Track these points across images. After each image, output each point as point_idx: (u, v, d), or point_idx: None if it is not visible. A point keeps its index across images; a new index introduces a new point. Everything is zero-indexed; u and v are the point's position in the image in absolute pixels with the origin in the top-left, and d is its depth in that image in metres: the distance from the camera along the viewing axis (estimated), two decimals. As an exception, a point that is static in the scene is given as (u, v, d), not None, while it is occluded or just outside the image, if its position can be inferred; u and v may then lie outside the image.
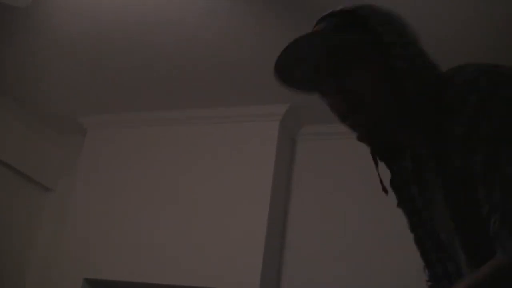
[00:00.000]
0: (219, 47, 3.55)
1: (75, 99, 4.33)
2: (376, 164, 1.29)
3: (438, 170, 1.12)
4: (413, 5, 2.96)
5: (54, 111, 4.51)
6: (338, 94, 1.18)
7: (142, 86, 4.06)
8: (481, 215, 1.05)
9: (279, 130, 4.01)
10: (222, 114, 4.16)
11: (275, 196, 3.89)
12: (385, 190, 1.31)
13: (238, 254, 3.73)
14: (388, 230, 3.67)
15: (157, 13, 3.34)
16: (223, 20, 3.32)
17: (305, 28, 3.47)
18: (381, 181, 1.30)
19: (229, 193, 3.93)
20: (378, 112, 1.16)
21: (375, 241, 3.71)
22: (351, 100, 1.17)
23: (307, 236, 3.90)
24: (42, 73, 4.05)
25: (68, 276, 4.09)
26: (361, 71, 1.16)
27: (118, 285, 4.06)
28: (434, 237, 1.26)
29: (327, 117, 4.59)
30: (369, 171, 4.11)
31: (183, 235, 3.93)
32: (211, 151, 4.13)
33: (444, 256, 1.25)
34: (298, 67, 1.21)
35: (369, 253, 3.69)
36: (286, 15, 3.20)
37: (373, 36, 1.17)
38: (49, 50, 3.79)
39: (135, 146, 4.37)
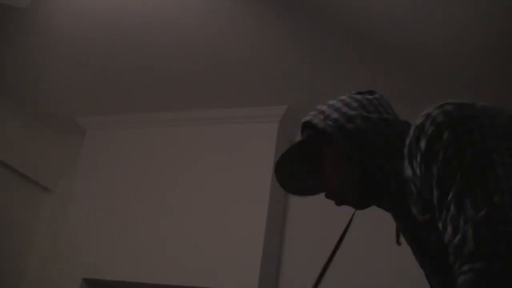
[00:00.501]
0: (218, 49, 3.56)
1: (74, 99, 4.34)
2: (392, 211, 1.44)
3: (403, 227, 1.32)
4: (413, 5, 2.97)
5: (53, 112, 4.52)
6: (322, 183, 1.45)
7: (141, 86, 4.07)
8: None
9: (278, 131, 4.02)
10: (221, 115, 4.16)
11: (274, 197, 3.89)
12: (398, 242, 1.53)
13: (237, 255, 3.73)
14: (388, 230, 3.67)
15: (156, 14, 3.34)
16: (222, 21, 3.32)
17: (305, 29, 3.50)
18: (397, 233, 1.51)
19: (228, 194, 3.94)
20: (348, 189, 1.40)
21: (374, 241, 3.72)
22: (329, 185, 1.42)
23: (306, 236, 3.90)
24: (41, 73, 4.05)
25: (67, 276, 4.09)
26: (326, 162, 1.41)
27: (116, 285, 4.05)
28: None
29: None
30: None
31: (182, 236, 3.93)
32: (210, 152, 4.13)
33: None
34: (291, 176, 1.52)
35: (368, 254, 3.70)
36: (286, 16, 3.21)
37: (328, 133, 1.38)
38: (48, 51, 3.79)
39: (134, 147, 4.37)
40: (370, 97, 1.41)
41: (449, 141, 1.11)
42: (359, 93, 1.45)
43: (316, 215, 3.94)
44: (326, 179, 1.42)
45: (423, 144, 1.15)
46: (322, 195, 1.54)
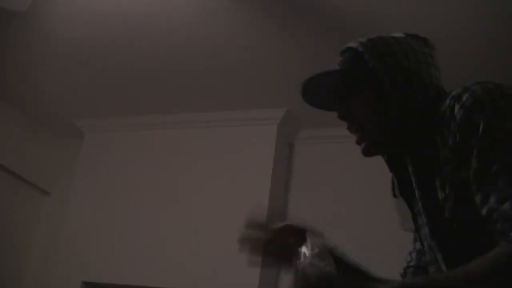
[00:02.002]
0: (217, 51, 3.56)
1: (73, 102, 4.33)
2: (391, 170, 1.45)
3: (419, 183, 1.28)
4: (413, 6, 2.97)
5: (52, 114, 4.51)
6: (346, 116, 1.40)
7: (140, 89, 4.07)
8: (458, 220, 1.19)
9: (277, 134, 4.02)
10: (220, 118, 4.16)
11: (273, 199, 3.89)
12: (394, 195, 1.48)
13: (237, 257, 3.72)
14: (386, 233, 3.67)
15: (155, 16, 3.34)
16: (221, 24, 3.33)
17: (304, 31, 3.50)
18: (393, 187, 1.48)
19: (227, 196, 3.94)
20: (375, 132, 1.36)
21: (373, 244, 3.72)
22: (354, 120, 1.38)
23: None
24: (40, 76, 4.05)
25: (66, 279, 4.09)
26: (360, 99, 1.37)
27: (116, 288, 4.06)
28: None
29: (325, 121, 4.59)
30: (366, 175, 4.14)
31: (181, 238, 3.92)
32: (209, 154, 4.13)
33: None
34: (316, 93, 1.48)
35: (366, 256, 3.69)
36: (286, 18, 3.21)
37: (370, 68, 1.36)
38: (47, 53, 3.79)
39: (132, 150, 4.37)
40: (426, 50, 1.40)
41: (491, 113, 1.14)
42: (415, 37, 1.43)
43: (315, 215, 3.92)
44: (354, 111, 1.38)
45: (459, 113, 1.17)
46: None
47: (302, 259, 1.24)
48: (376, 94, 1.34)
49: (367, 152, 1.39)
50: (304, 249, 1.28)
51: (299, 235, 1.45)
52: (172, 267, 3.86)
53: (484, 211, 1.11)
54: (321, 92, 1.46)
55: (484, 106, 1.15)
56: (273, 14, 3.21)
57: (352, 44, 1.44)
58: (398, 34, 1.43)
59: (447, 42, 3.15)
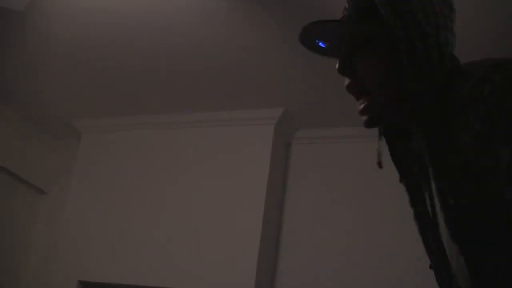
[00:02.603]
0: (214, 52, 3.56)
1: (71, 102, 4.33)
2: (380, 136, 1.30)
3: (433, 163, 1.13)
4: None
5: (49, 115, 4.51)
6: (350, 76, 1.22)
7: (137, 89, 4.07)
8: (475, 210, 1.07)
9: (274, 134, 4.02)
10: (217, 118, 4.17)
11: (270, 199, 3.90)
12: (380, 164, 1.31)
13: (234, 257, 3.74)
14: (382, 233, 3.68)
15: (152, 16, 3.34)
16: (219, 25, 3.33)
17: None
18: (379, 155, 1.31)
19: (224, 196, 3.94)
20: (381, 96, 1.20)
21: (369, 244, 3.73)
22: (360, 83, 1.21)
23: (302, 238, 3.90)
24: (37, 76, 4.04)
25: (63, 279, 4.09)
26: (370, 59, 1.20)
27: (112, 287, 4.05)
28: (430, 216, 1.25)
29: (322, 121, 4.60)
30: (363, 175, 4.13)
31: (178, 238, 3.93)
32: (205, 155, 4.13)
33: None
34: (317, 38, 1.28)
35: (363, 257, 3.70)
36: (282, 19, 3.21)
37: (386, 26, 1.17)
38: (44, 53, 3.79)
39: (130, 150, 4.37)
40: (446, 11, 1.19)
41: None
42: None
43: (312, 218, 3.94)
44: (360, 69, 1.20)
45: (492, 97, 1.02)
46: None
47: None
48: (387, 54, 1.17)
49: (370, 124, 1.22)
50: None
51: None
52: (169, 267, 3.87)
53: None
54: (323, 39, 1.26)
55: None
56: (271, 15, 3.21)
57: None
58: None
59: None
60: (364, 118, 1.23)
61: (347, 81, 1.24)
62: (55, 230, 4.39)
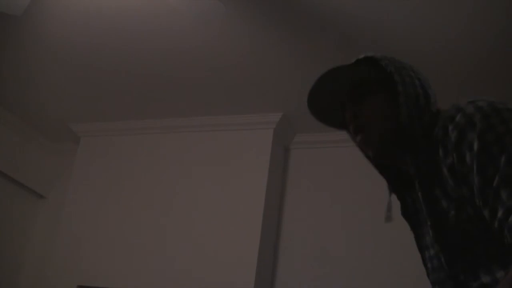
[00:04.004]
0: (213, 56, 3.56)
1: (69, 107, 4.33)
2: (390, 193, 1.49)
3: (425, 197, 1.30)
4: (409, 10, 2.97)
5: (48, 119, 4.51)
6: (353, 116, 1.42)
7: (136, 93, 4.07)
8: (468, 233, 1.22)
9: (273, 138, 4.02)
10: (217, 122, 4.17)
11: (269, 202, 3.90)
12: (389, 218, 1.50)
13: (233, 260, 3.73)
14: (381, 236, 3.68)
15: (151, 21, 3.34)
16: (217, 28, 3.33)
17: (299, 36, 3.51)
18: (389, 209, 1.50)
19: (224, 200, 3.94)
20: (379, 134, 1.39)
21: (368, 246, 3.72)
22: (361, 121, 1.41)
23: (300, 241, 3.90)
24: (35, 80, 4.05)
25: (61, 283, 4.08)
26: (372, 101, 1.41)
27: (111, 292, 4.05)
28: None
29: (321, 126, 4.58)
30: (361, 179, 4.13)
31: (177, 241, 3.93)
32: (205, 159, 4.13)
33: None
34: (326, 94, 1.49)
35: (362, 258, 3.70)
36: (281, 23, 3.22)
37: (385, 75, 1.41)
38: (42, 57, 3.79)
39: (128, 154, 4.37)
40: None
41: (484, 129, 1.17)
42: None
43: (311, 221, 3.94)
44: (364, 114, 1.41)
45: (453, 134, 1.21)
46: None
47: None
48: (388, 99, 1.39)
49: (377, 155, 1.42)
50: None
51: None
52: (168, 271, 3.86)
53: (495, 225, 1.15)
54: (329, 93, 1.48)
55: (476, 124, 1.18)
56: (269, 20, 3.21)
57: (368, 53, 1.49)
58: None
59: (445, 46, 3.17)
60: (369, 150, 1.41)
61: (349, 121, 1.44)
62: (54, 234, 4.39)
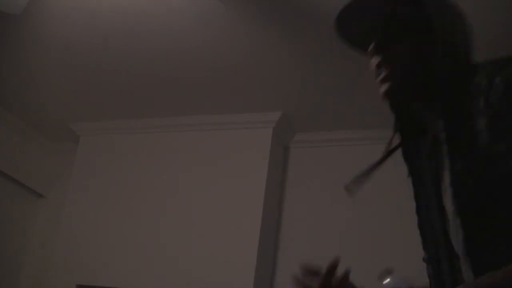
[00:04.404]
0: (212, 55, 3.56)
1: (68, 106, 4.33)
2: (394, 132, 1.41)
3: (450, 153, 1.20)
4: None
5: (47, 118, 4.51)
6: (377, 62, 1.30)
7: (135, 93, 4.07)
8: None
9: (272, 137, 4.02)
10: (215, 121, 4.17)
11: (269, 202, 3.90)
12: (390, 153, 1.41)
13: (232, 259, 3.74)
14: (381, 236, 3.68)
15: (151, 20, 3.34)
16: (217, 28, 3.33)
17: (299, 35, 3.51)
18: (391, 150, 1.41)
19: (223, 199, 3.94)
20: (405, 79, 1.29)
21: (367, 246, 3.73)
22: (388, 63, 1.29)
23: (300, 241, 3.90)
24: (35, 79, 4.04)
25: (61, 282, 4.08)
26: (404, 42, 1.29)
27: (110, 291, 4.06)
28: (435, 213, 1.31)
29: (320, 125, 4.60)
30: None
31: (176, 241, 3.93)
32: (204, 158, 4.13)
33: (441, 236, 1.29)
34: (356, 22, 1.33)
35: (361, 258, 3.70)
36: (280, 22, 3.22)
37: (425, 14, 1.28)
38: (42, 56, 3.79)
39: (128, 153, 4.37)
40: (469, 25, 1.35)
41: None
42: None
43: (311, 221, 3.94)
44: (390, 61, 1.29)
45: (501, 85, 1.14)
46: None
47: None
48: (421, 44, 1.28)
49: (388, 94, 1.30)
50: None
51: None
52: (167, 270, 3.86)
53: None
54: (361, 26, 1.33)
55: None
56: (268, 20, 3.21)
57: None
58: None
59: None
60: (383, 87, 1.30)
61: (375, 61, 1.31)
62: (53, 234, 4.38)
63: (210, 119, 4.18)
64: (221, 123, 4.15)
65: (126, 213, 4.15)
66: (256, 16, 3.20)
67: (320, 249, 3.82)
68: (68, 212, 4.34)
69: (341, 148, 4.05)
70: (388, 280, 1.27)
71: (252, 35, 3.35)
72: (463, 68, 1.25)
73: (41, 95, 4.22)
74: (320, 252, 3.81)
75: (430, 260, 1.34)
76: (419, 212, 1.37)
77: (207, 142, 4.17)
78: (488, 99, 1.15)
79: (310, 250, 3.84)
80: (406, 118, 1.39)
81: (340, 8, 1.31)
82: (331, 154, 4.07)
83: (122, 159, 4.37)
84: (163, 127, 4.32)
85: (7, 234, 4.44)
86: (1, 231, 4.37)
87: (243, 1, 3.10)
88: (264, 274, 3.79)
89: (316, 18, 3.13)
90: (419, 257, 1.45)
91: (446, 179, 1.20)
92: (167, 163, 4.22)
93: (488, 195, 1.13)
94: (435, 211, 1.29)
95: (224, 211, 3.90)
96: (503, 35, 3.06)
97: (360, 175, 1.42)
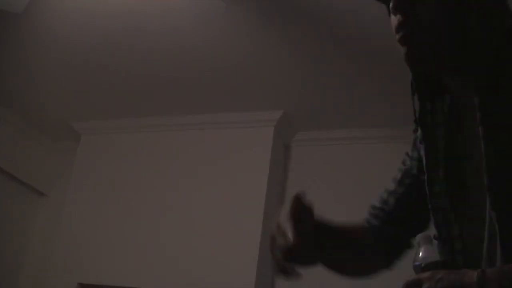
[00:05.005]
0: (214, 54, 3.56)
1: (70, 104, 4.33)
2: (413, 93, 1.24)
3: (484, 121, 1.06)
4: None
5: (48, 117, 4.51)
6: (400, 21, 1.13)
7: (136, 92, 4.07)
8: None
9: (273, 136, 4.02)
10: (217, 120, 4.17)
11: (270, 201, 3.90)
12: (416, 122, 1.24)
13: (234, 259, 3.73)
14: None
15: (152, 20, 3.34)
16: (218, 27, 3.33)
17: (299, 34, 3.50)
18: (415, 112, 1.23)
19: (224, 198, 3.94)
20: (429, 42, 1.11)
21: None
22: (410, 22, 1.12)
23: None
24: (36, 78, 4.04)
25: (62, 280, 4.08)
26: (429, 3, 1.11)
27: (111, 290, 4.06)
28: (449, 182, 1.18)
29: (321, 123, 4.60)
30: (362, 177, 4.13)
31: (177, 240, 3.92)
32: (205, 157, 4.13)
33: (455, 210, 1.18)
34: None
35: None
36: (280, 22, 3.22)
37: None
38: (43, 56, 3.79)
39: (129, 152, 4.37)
40: None
41: None
42: None
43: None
44: (416, 20, 1.11)
45: None
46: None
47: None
48: (450, 2, 1.10)
49: (410, 58, 1.13)
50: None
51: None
52: (168, 269, 3.86)
53: None
54: None
55: None
56: (269, 19, 3.21)
57: None
58: None
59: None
60: (403, 50, 1.13)
61: (398, 19, 1.13)
62: (54, 232, 4.38)
63: (211, 118, 4.18)
64: (222, 122, 4.15)
65: (127, 212, 4.15)
66: (257, 15, 3.20)
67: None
68: (69, 210, 4.34)
69: (342, 147, 4.04)
70: (421, 253, 1.17)
71: (254, 34, 3.35)
72: (504, 34, 1.09)
73: (42, 94, 4.22)
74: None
75: (440, 241, 1.21)
76: (430, 185, 1.21)
77: (208, 141, 4.17)
78: None
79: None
80: (424, 78, 1.22)
81: None
82: (333, 153, 4.06)
83: (123, 158, 4.37)
84: (164, 126, 4.32)
85: (8, 232, 4.44)
86: (1, 229, 4.37)
87: (243, 1, 3.10)
88: (265, 274, 3.78)
89: (316, 18, 3.13)
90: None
91: (479, 161, 1.07)
92: (168, 162, 4.22)
93: None
94: (444, 182, 1.18)
95: (225, 210, 3.90)
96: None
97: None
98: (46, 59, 3.82)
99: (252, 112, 4.06)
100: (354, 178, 3.91)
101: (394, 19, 1.14)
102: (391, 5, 1.14)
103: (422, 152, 1.23)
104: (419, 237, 1.22)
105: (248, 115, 4.08)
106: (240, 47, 3.48)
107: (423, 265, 1.11)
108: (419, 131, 1.24)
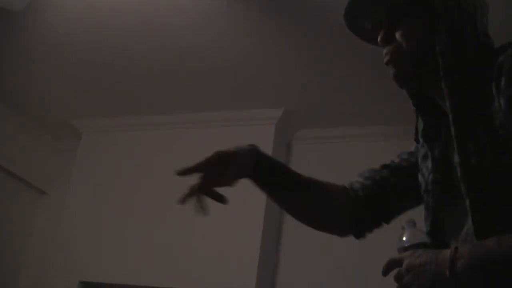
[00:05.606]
0: (215, 52, 3.56)
1: (71, 103, 4.33)
2: (417, 118, 1.42)
3: (456, 135, 1.20)
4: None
5: (49, 115, 4.51)
6: (384, 40, 1.34)
7: (138, 90, 4.07)
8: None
9: (274, 134, 4.02)
10: (218, 118, 4.16)
11: (270, 200, 3.88)
12: (417, 140, 1.44)
13: (234, 258, 3.73)
14: (383, 233, 3.67)
15: (153, 18, 3.34)
16: (219, 25, 3.33)
17: (300, 32, 3.50)
18: (416, 130, 1.43)
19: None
20: (412, 62, 1.30)
21: (369, 245, 3.71)
22: (392, 48, 1.33)
23: (302, 240, 3.89)
24: (37, 76, 4.04)
25: (63, 279, 4.09)
26: (410, 25, 1.31)
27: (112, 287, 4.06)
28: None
29: (322, 121, 4.60)
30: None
31: (178, 238, 3.93)
32: (206, 155, 4.12)
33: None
34: (363, 8, 1.40)
35: (363, 257, 3.70)
36: (282, 20, 3.22)
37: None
38: (44, 54, 3.79)
39: (130, 150, 4.37)
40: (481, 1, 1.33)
41: None
42: None
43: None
44: (401, 35, 1.31)
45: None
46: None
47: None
48: (426, 24, 1.28)
49: (396, 76, 1.34)
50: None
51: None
52: (170, 267, 3.86)
53: None
54: (366, 10, 1.39)
55: None
56: (270, 17, 3.21)
57: None
58: None
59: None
60: (394, 71, 1.33)
61: (386, 50, 1.35)
62: (55, 230, 4.39)
63: (212, 116, 4.18)
64: (223, 120, 4.15)
65: (128, 210, 4.15)
66: (259, 15, 3.20)
67: (322, 247, 3.82)
68: (70, 209, 4.35)
69: (344, 144, 4.04)
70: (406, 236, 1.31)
71: (255, 32, 3.35)
72: (472, 48, 1.24)
73: (43, 92, 4.22)
74: (322, 250, 3.81)
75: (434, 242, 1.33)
76: (431, 185, 1.37)
77: (209, 139, 4.16)
78: (510, 78, 1.13)
79: (312, 249, 3.83)
80: (422, 98, 1.40)
81: (346, 4, 1.39)
82: (334, 151, 4.06)
83: (124, 156, 4.37)
84: (165, 125, 4.32)
85: (9, 230, 4.44)
86: (3, 227, 4.38)
87: (243, 1, 3.10)
88: (266, 273, 3.78)
89: (317, 16, 3.13)
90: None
91: (455, 160, 1.21)
92: (169, 160, 4.21)
93: (503, 178, 1.13)
94: (439, 185, 1.33)
95: (226, 209, 3.88)
96: (504, 35, 3.05)
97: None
98: (48, 57, 3.82)
99: (253, 110, 4.06)
100: (355, 176, 3.90)
101: (380, 37, 1.36)
102: (379, 40, 1.36)
103: (420, 160, 1.41)
104: (404, 222, 1.36)
105: (249, 113, 4.08)
106: (241, 46, 3.48)
107: (406, 245, 1.29)
108: (421, 142, 1.41)
